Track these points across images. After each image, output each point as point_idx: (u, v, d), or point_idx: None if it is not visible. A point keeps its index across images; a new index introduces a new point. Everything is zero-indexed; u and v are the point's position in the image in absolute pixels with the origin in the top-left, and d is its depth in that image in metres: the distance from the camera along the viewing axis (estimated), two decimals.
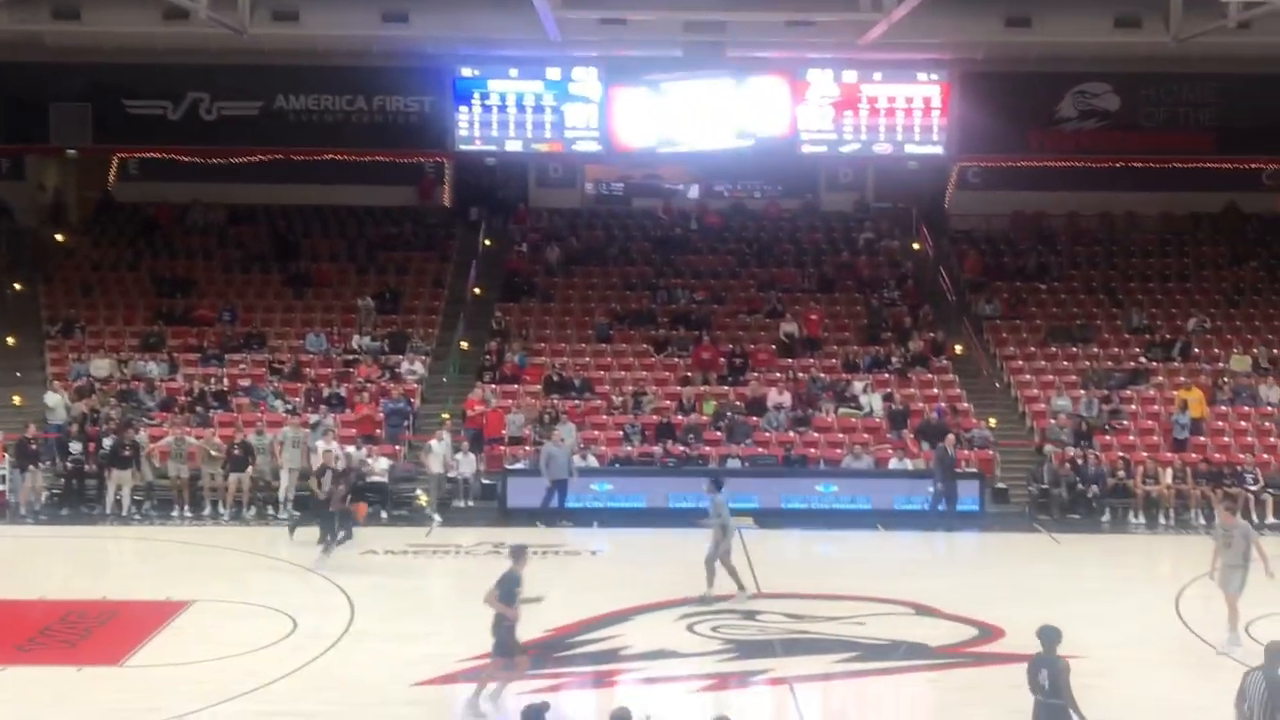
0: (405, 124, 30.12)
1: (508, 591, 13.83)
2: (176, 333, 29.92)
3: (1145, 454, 25.88)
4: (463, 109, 28.39)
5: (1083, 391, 27.90)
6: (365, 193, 33.82)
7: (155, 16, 26.62)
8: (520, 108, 28.45)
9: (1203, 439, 26.65)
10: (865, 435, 26.56)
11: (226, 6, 25.46)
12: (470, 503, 25.25)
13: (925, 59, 28.57)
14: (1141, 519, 24.79)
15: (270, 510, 24.49)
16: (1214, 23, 25.09)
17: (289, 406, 27.10)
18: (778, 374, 28.72)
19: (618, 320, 30.68)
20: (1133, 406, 27.95)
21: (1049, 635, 11.38)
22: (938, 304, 31.92)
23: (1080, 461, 25.35)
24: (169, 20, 26.49)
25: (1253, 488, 24.81)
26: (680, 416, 27.09)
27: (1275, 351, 29.38)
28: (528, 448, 25.92)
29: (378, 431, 26.42)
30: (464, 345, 30.12)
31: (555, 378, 28.13)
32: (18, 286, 31.93)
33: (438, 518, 24.10)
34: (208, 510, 24.46)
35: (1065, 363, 29.41)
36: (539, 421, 26.51)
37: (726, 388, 28.26)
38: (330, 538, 20.36)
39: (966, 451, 25.58)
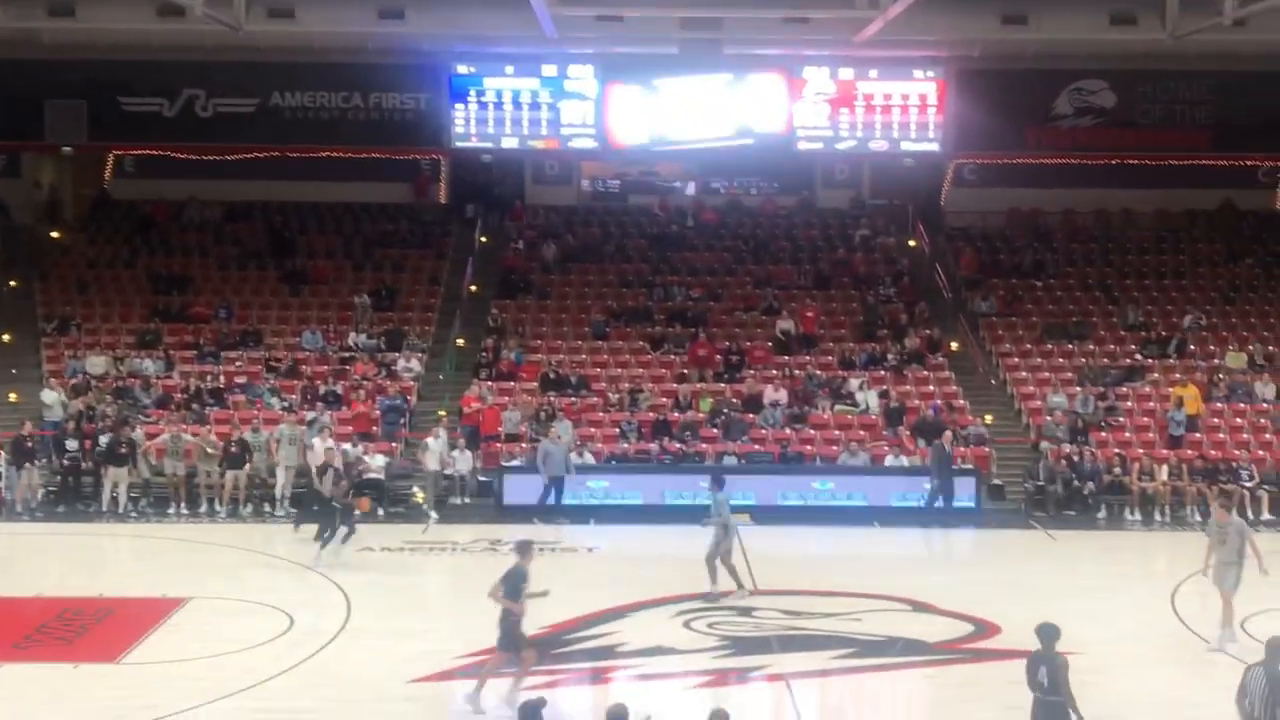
0: (401, 121, 30.05)
1: (513, 587, 13.81)
2: (173, 330, 29.90)
3: (1141, 451, 25.91)
4: (459, 106, 28.35)
5: (1079, 388, 27.95)
6: (361, 189, 33.81)
7: (151, 13, 26.57)
8: (516, 105, 28.40)
9: (1198, 436, 26.69)
10: (861, 432, 26.59)
11: (222, 3, 25.39)
12: (467, 500, 25.26)
13: (921, 56, 28.54)
14: (1137, 515, 24.82)
15: (267, 508, 24.49)
16: (1210, 20, 25.08)
17: (285, 404, 27.08)
18: (774, 371, 28.73)
19: (614, 317, 30.68)
20: (1128, 403, 27.99)
21: (1048, 632, 11.38)
22: (934, 301, 31.95)
23: (1076, 458, 25.38)
24: (164, 17, 26.44)
25: (1248, 484, 24.84)
26: (677, 414, 27.11)
27: (1271, 348, 29.43)
28: (524, 445, 25.92)
29: (374, 429, 26.42)
30: (460, 342, 30.11)
31: (552, 375, 28.13)
32: (13, 284, 31.89)
33: (434, 515, 24.10)
34: (204, 507, 24.46)
35: (1061, 360, 29.44)
36: (535, 419, 26.52)
37: (723, 385, 28.27)
38: (330, 533, 20.36)
39: (963, 448, 25.61)
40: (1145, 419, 27.54)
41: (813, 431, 26.81)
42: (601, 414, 27.24)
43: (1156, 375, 28.76)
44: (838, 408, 27.53)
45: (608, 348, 29.74)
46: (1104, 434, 26.81)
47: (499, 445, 26.12)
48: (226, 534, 22.82)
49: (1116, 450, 25.86)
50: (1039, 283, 32.16)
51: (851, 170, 34.90)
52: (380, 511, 23.97)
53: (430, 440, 24.98)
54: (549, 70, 28.13)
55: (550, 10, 24.46)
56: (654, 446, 26.00)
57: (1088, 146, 30.50)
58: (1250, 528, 17.52)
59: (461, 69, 28.35)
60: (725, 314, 30.83)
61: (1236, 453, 25.84)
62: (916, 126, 28.58)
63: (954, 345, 30.29)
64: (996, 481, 25.81)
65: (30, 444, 24.56)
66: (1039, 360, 29.50)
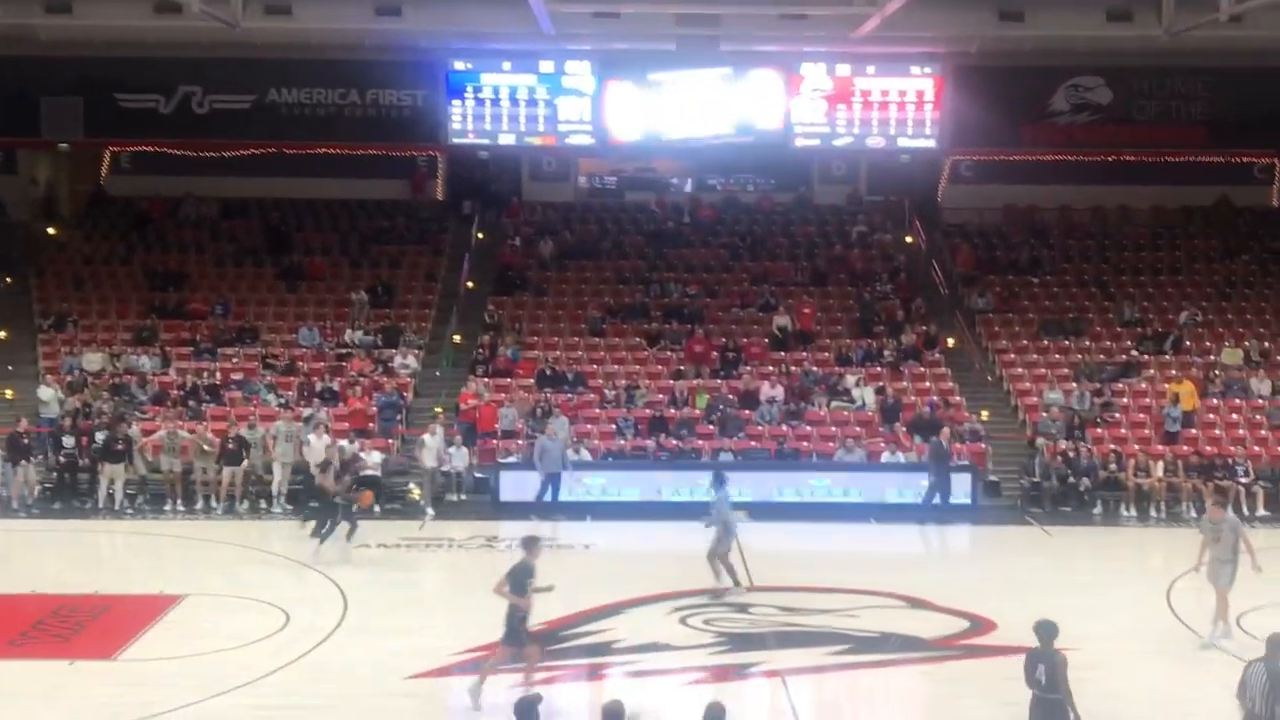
0: (398, 117, 30.06)
1: (519, 582, 13.80)
2: (169, 327, 29.88)
3: (1137, 447, 25.93)
4: (455, 102, 28.33)
5: (1075, 385, 27.97)
6: (358, 186, 33.78)
7: (147, 10, 26.57)
8: (513, 101, 28.39)
9: (1194, 432, 26.72)
10: (858, 429, 26.60)
11: (219, 0, 25.41)
12: (463, 496, 25.26)
13: (918, 52, 28.56)
14: (1133, 512, 24.85)
15: (263, 504, 24.49)
16: (1206, 16, 25.13)
17: (282, 400, 27.08)
18: (770, 367, 28.74)
19: (610, 314, 30.69)
20: (1124, 399, 28.01)
21: (1046, 630, 11.38)
22: (930, 297, 31.97)
23: (1072, 454, 25.42)
24: (161, 14, 26.43)
25: (1244, 480, 24.87)
26: (673, 410, 27.11)
27: (1266, 344, 29.44)
28: (520, 442, 25.93)
29: (370, 425, 26.42)
30: (457, 339, 30.11)
31: (548, 371, 28.14)
32: (9, 280, 31.86)
33: (431, 511, 24.10)
34: (200, 504, 24.46)
35: (1057, 356, 29.47)
36: (532, 415, 26.53)
37: (719, 381, 28.29)
38: (330, 528, 20.38)
39: (959, 445, 25.62)
40: (1141, 415, 27.57)
41: (809, 428, 26.83)
42: (598, 410, 27.26)
43: (1152, 371, 28.79)
44: (834, 404, 27.54)
45: (604, 344, 29.74)
46: (1100, 430, 26.84)
47: (496, 442, 26.13)
48: (223, 530, 22.83)
49: (1112, 446, 25.89)
50: (1035, 279, 32.18)
51: (848, 167, 34.89)
52: (377, 508, 23.96)
53: (427, 437, 24.97)
54: (546, 67, 28.13)
55: (547, 6, 24.48)
56: (651, 443, 26.01)
57: (1084, 143, 30.56)
58: (1244, 524, 17.54)
59: (458, 65, 28.34)
60: (722, 310, 30.83)
61: (1232, 449, 25.87)
62: (913, 123, 28.59)
63: (950, 342, 30.31)
64: (992, 478, 25.83)
65: (27, 441, 24.56)
66: (1035, 356, 29.53)
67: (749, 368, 28.65)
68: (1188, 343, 29.68)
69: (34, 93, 29.52)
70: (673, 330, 29.97)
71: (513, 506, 24.18)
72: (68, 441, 25.00)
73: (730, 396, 27.66)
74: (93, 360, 28.24)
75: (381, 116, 30.09)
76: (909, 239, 34.21)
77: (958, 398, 27.89)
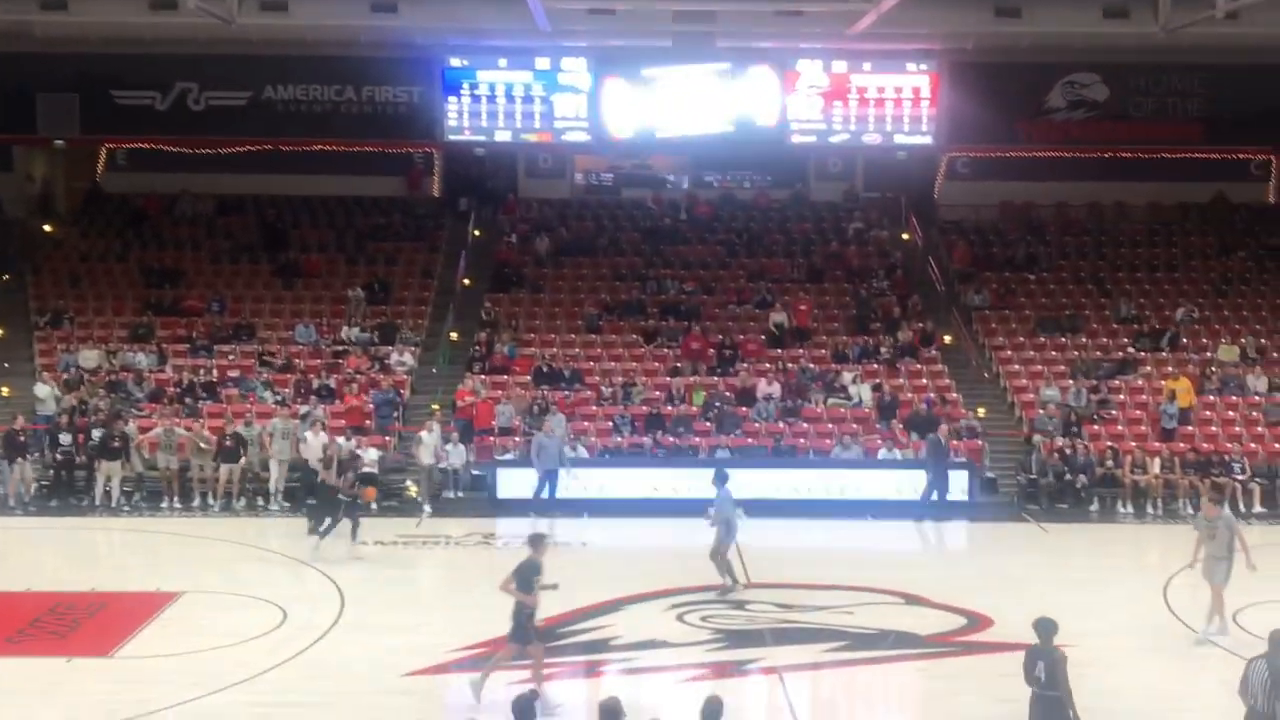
0: (394, 114, 30.07)
1: (526, 579, 13.80)
2: (165, 324, 29.84)
3: (1133, 444, 25.94)
4: (451, 99, 28.32)
5: (1071, 381, 27.98)
6: (354, 183, 33.76)
7: (143, 7, 26.55)
8: (509, 98, 28.38)
9: (1190, 429, 26.74)
10: (854, 425, 26.59)
11: None
12: (460, 494, 25.25)
13: (915, 49, 28.57)
14: (1129, 508, 24.87)
15: (260, 502, 24.48)
16: (1202, 13, 25.14)
17: (278, 398, 27.06)
18: (767, 364, 28.75)
19: (607, 311, 30.68)
20: (1121, 396, 28.03)
21: (1045, 627, 11.38)
22: (927, 294, 31.98)
23: (1069, 451, 25.43)
24: (157, 10, 26.41)
25: (1240, 477, 24.90)
26: (670, 407, 27.11)
27: (1263, 341, 29.48)
28: (517, 439, 25.94)
29: (367, 423, 26.41)
30: (453, 336, 30.10)
31: (545, 368, 28.13)
32: (6, 278, 31.80)
33: (428, 509, 24.09)
34: (197, 501, 24.43)
35: (1054, 353, 29.48)
36: (529, 412, 26.53)
37: (716, 378, 28.29)
38: (331, 525, 20.38)
39: (956, 442, 25.63)
40: (1138, 412, 27.59)
41: (806, 425, 26.83)
42: (595, 407, 27.25)
43: (1149, 368, 28.81)
44: (831, 401, 27.55)
45: (601, 341, 29.74)
46: (1096, 427, 26.85)
47: (493, 439, 26.13)
48: (220, 528, 22.82)
49: (1109, 443, 25.90)
50: (1032, 276, 32.18)
51: (845, 163, 34.86)
52: (374, 505, 23.95)
53: (424, 434, 24.96)
54: (542, 63, 28.12)
55: (543, 3, 24.46)
56: (647, 440, 26.01)
57: (1080, 140, 30.60)
58: (1239, 522, 17.57)
59: (454, 62, 28.33)
60: (718, 307, 30.83)
61: (1229, 445, 25.90)
62: (910, 120, 28.61)
63: (947, 338, 30.31)
64: (989, 475, 25.83)
65: (23, 438, 24.54)
66: (1032, 353, 29.54)
67: (746, 365, 28.66)
68: (1184, 339, 29.70)
69: (30, 89, 29.51)
70: (669, 327, 29.97)
71: (510, 504, 24.19)
72: (64, 439, 24.99)
73: (727, 393, 27.66)
74: (89, 357, 28.21)
75: (378, 113, 30.10)
76: (905, 236, 34.22)
77: (954, 395, 27.90)
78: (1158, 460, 25.30)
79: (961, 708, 14.20)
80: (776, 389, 27.60)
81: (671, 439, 26.10)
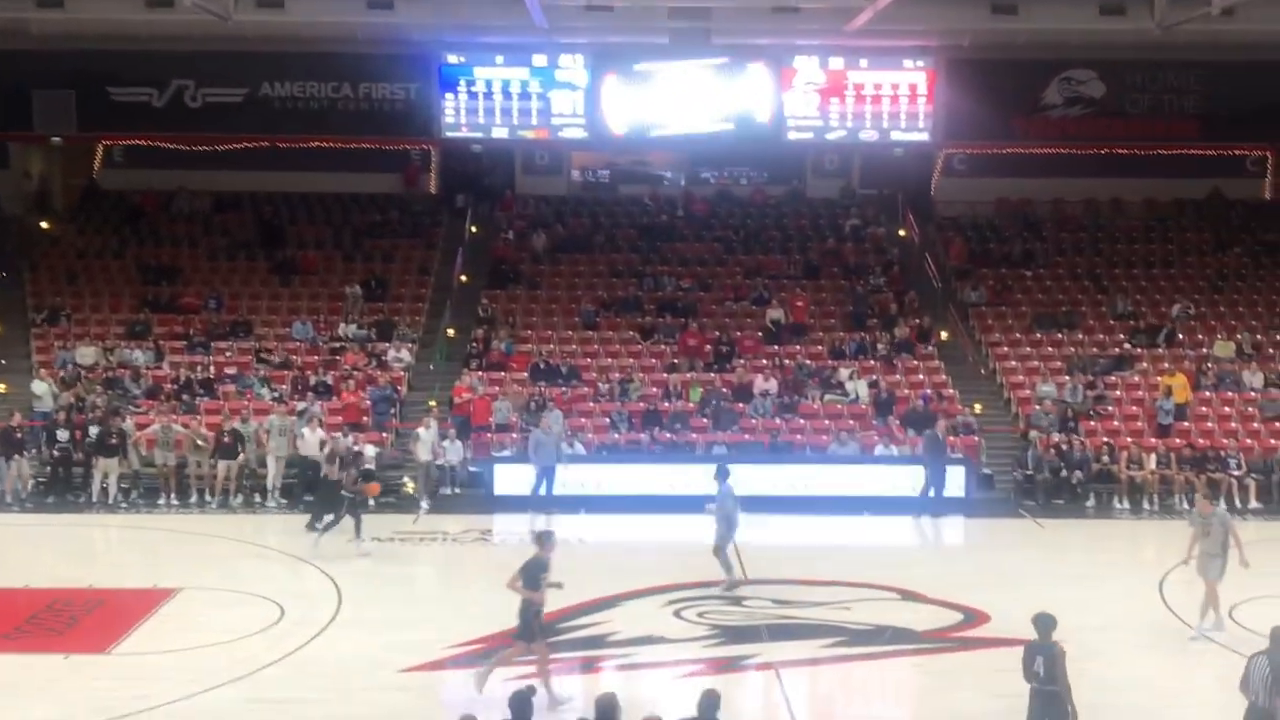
0: (391, 111, 30.09)
1: (532, 577, 13.82)
2: (162, 320, 29.84)
3: (1130, 439, 25.99)
4: (448, 96, 28.36)
5: (1068, 377, 28.01)
6: (351, 180, 33.74)
7: (139, 3, 26.60)
8: (506, 95, 28.42)
9: (1187, 424, 26.78)
10: (851, 422, 26.61)
11: None
12: (457, 490, 25.25)
13: (911, 46, 28.61)
14: (1126, 504, 24.91)
15: (258, 498, 24.49)
16: (1198, 10, 25.21)
17: (276, 394, 27.07)
18: (764, 360, 28.77)
19: (604, 307, 30.69)
20: (1117, 392, 28.07)
21: (1044, 622, 11.40)
22: (923, 290, 31.99)
23: (1065, 447, 25.46)
24: (153, 7, 26.46)
25: (1236, 473, 24.94)
26: (667, 403, 27.14)
27: (1259, 337, 29.53)
28: (515, 435, 25.95)
29: (364, 419, 26.42)
30: (451, 333, 30.10)
31: (542, 365, 28.15)
32: (2, 275, 31.80)
33: (425, 505, 24.11)
34: (194, 498, 24.44)
35: (1050, 349, 29.51)
36: (526, 409, 26.55)
37: (713, 374, 28.30)
38: (333, 521, 20.39)
39: (953, 438, 25.65)
40: (1134, 408, 27.63)
41: (803, 421, 26.84)
42: (592, 404, 27.27)
43: (1145, 364, 28.84)
44: (828, 397, 27.57)
45: (598, 338, 29.75)
46: (1093, 423, 26.89)
47: (490, 435, 26.14)
48: (217, 525, 22.83)
49: (1105, 439, 25.94)
50: (1028, 272, 32.21)
51: (841, 160, 34.89)
52: (371, 502, 23.96)
53: (421, 430, 24.98)
54: (539, 60, 28.17)
55: (540, 0, 24.46)
56: (645, 436, 26.03)
57: (1077, 136, 30.65)
58: (1234, 519, 17.62)
59: (451, 59, 28.38)
60: (715, 304, 30.83)
61: (1225, 441, 25.96)
62: (906, 116, 28.67)
63: (943, 335, 30.33)
64: (986, 471, 25.87)
65: (20, 435, 24.55)
66: (1028, 349, 29.57)
67: (742, 361, 28.66)
68: (1180, 335, 29.74)
69: (27, 86, 29.52)
70: (666, 324, 29.98)
71: (507, 500, 24.21)
72: (61, 435, 24.98)
73: (724, 390, 27.68)
74: (86, 354, 28.21)
75: (374, 110, 30.12)
76: (902, 232, 34.22)
77: (951, 391, 27.93)
78: (1154, 456, 25.33)
79: (958, 703, 14.23)
80: (773, 385, 27.62)
81: (669, 435, 26.12)
